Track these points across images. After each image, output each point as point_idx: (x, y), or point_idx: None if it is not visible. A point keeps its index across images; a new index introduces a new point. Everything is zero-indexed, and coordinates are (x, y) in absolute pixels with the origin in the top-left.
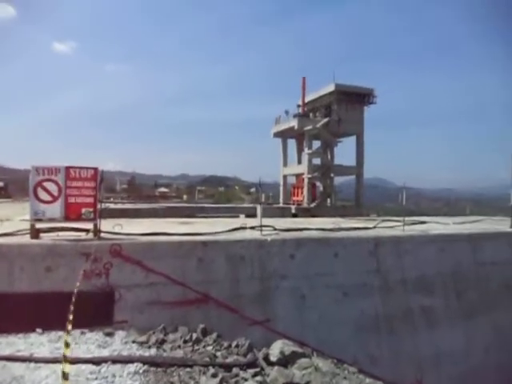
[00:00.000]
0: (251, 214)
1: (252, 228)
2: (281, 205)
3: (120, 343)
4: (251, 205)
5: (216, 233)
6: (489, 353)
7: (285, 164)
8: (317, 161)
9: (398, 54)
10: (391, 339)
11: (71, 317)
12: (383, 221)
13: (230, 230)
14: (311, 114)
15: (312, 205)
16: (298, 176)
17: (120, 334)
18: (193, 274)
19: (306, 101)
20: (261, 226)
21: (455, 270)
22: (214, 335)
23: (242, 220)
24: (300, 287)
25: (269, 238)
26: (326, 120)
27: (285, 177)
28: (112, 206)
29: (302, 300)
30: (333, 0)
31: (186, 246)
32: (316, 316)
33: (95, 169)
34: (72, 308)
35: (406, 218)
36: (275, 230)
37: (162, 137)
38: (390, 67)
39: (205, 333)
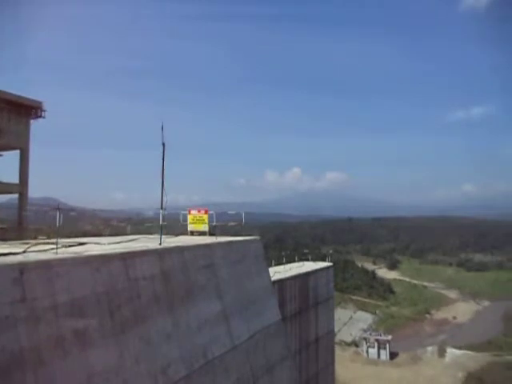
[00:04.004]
0: None
1: None
2: None
3: None
4: None
5: None
6: (139, 363)
7: None
8: None
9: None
10: (41, 373)
11: None
12: (37, 244)
13: None
14: None
15: None
16: None
17: None
18: None
19: None
20: None
21: (109, 289)
22: None
23: None
24: None
25: None
26: None
27: None
28: None
29: None
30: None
31: None
32: None
33: None
34: None
35: (66, 240)
36: None
37: None
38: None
39: None
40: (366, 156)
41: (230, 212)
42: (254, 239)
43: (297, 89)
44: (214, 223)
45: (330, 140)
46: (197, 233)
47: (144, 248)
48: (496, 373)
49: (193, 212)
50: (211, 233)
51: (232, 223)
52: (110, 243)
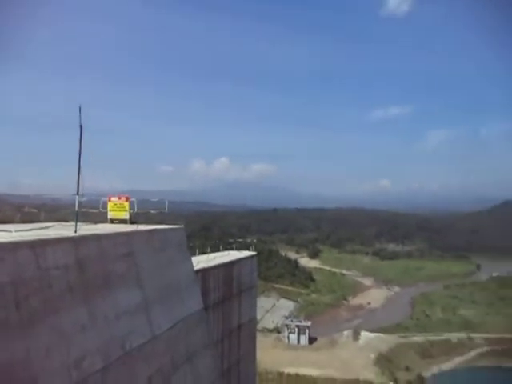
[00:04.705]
0: None
1: None
2: None
3: None
4: None
5: None
6: (50, 357)
7: None
8: None
9: None
10: None
11: None
12: None
13: None
14: None
15: None
16: None
17: None
18: None
19: None
20: None
21: (16, 279)
22: None
23: None
24: None
25: None
26: None
27: None
28: None
29: None
30: None
31: None
32: None
33: None
34: None
35: None
36: None
37: None
38: None
39: None
40: (291, 149)
41: (152, 199)
42: (178, 228)
43: (225, 80)
44: (136, 211)
45: (257, 131)
46: (117, 221)
47: (57, 236)
48: (402, 352)
49: (113, 199)
50: (132, 221)
51: (154, 211)
52: (18, 231)
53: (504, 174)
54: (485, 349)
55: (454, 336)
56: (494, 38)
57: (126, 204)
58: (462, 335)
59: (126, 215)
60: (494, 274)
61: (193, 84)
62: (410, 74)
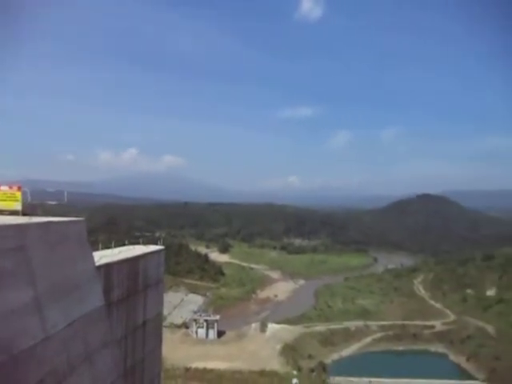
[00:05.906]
0: None
1: None
2: None
3: None
4: None
5: None
6: None
7: None
8: None
9: None
10: None
11: None
12: None
13: None
14: None
15: None
16: None
17: None
18: None
19: None
20: None
21: None
22: None
23: None
24: None
25: None
26: None
27: None
28: None
29: None
30: None
31: None
32: None
33: None
34: None
35: None
36: None
37: None
38: None
39: None
40: (203, 144)
41: (49, 190)
42: (77, 220)
43: (136, 65)
44: (29, 201)
45: (168, 124)
46: (7, 212)
47: None
48: (306, 342)
49: (2, 188)
50: (25, 212)
51: (52, 202)
52: None
53: (397, 174)
54: (379, 335)
55: (353, 324)
56: (397, 47)
57: (18, 194)
58: (360, 323)
59: (17, 206)
60: (389, 266)
61: (101, 70)
62: (320, 76)
